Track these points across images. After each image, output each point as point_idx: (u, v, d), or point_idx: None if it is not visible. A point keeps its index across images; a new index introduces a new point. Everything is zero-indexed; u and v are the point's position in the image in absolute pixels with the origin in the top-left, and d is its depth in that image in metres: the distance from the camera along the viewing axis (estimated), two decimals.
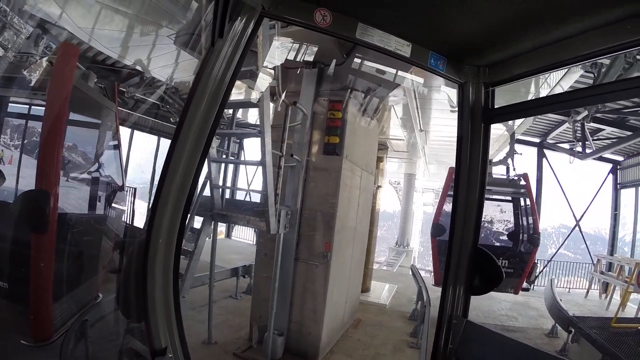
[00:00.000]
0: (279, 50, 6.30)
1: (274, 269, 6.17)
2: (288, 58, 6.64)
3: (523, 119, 10.95)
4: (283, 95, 6.02)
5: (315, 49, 6.62)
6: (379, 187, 11.33)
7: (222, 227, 18.53)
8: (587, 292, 15.60)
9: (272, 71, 5.75)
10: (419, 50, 2.79)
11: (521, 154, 10.90)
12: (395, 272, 18.54)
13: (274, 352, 6.32)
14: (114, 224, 7.35)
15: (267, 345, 6.21)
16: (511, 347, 2.85)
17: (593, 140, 14.96)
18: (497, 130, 11.27)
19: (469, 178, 3.06)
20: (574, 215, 18.12)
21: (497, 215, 11.01)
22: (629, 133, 14.21)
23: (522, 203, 10.47)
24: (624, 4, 2.24)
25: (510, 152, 10.78)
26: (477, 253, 3.04)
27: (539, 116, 15.07)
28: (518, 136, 14.08)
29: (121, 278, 3.61)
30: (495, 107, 3.07)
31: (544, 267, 17.40)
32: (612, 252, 18.17)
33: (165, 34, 6.86)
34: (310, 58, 6.74)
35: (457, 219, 3.08)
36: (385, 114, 9.32)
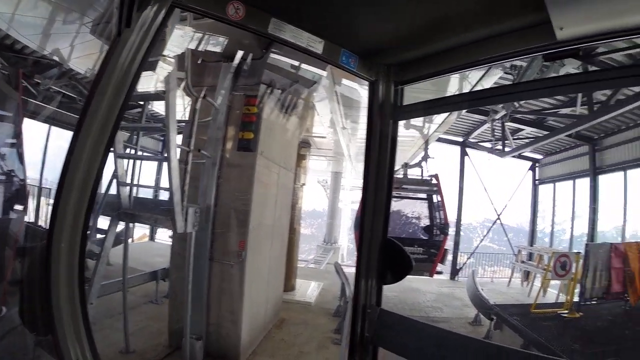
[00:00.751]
0: (187, 40, 6.07)
1: (186, 270, 5.91)
2: (206, 50, 6.51)
3: (444, 120, 11.31)
4: (182, 86, 5.80)
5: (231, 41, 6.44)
6: (302, 185, 11.27)
7: (146, 229, 17.86)
8: (510, 280, 16.28)
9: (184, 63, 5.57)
10: (331, 48, 2.80)
11: (434, 157, 12.41)
12: (323, 269, 18.61)
13: (193, 358, 6.08)
14: (14, 228, 6.79)
15: (185, 351, 5.96)
16: (424, 330, 2.95)
17: (514, 139, 15.70)
18: (413, 133, 11.98)
19: (378, 173, 3.10)
20: (495, 209, 19.13)
21: (418, 210, 12.22)
22: (547, 132, 15.01)
23: (435, 199, 11.58)
24: (529, 13, 2.39)
25: (425, 156, 12.32)
26: (387, 244, 3.10)
27: (462, 116, 15.74)
28: (440, 135, 14.78)
29: (23, 288, 3.60)
30: (404, 104, 3.13)
31: (467, 259, 18.34)
32: (532, 242, 19.13)
33: (84, 23, 6.61)
34: (225, 51, 6.56)
35: (366, 213, 3.12)
36: (308, 111, 9.21)
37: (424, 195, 11.85)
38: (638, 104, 10.56)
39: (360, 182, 10.66)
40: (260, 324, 7.43)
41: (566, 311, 8.90)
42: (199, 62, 6.50)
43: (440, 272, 11.24)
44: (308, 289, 11.45)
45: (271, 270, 7.84)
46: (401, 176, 12.11)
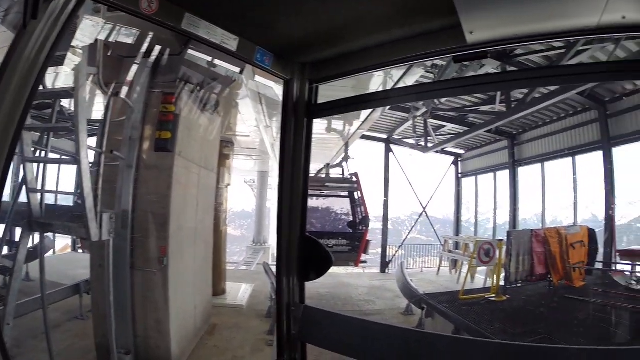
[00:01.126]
0: (99, 32, 5.69)
1: (106, 281, 5.51)
2: (120, 42, 6.08)
3: (367, 117, 11.46)
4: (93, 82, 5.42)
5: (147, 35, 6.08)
6: (227, 185, 11.01)
7: (68, 239, 16.82)
8: (438, 269, 16.88)
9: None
10: (245, 45, 2.79)
11: (354, 158, 13.41)
12: (254, 270, 18.26)
13: None
14: None
15: None
16: (348, 323, 3.05)
17: (436, 135, 16.27)
18: (334, 136, 12.52)
19: (293, 171, 3.14)
20: (420, 203, 19.72)
21: (341, 207, 12.51)
22: (467, 129, 15.70)
23: (356, 196, 12.01)
24: (442, 17, 2.52)
25: (345, 156, 13.33)
26: (306, 241, 3.15)
27: (385, 113, 16.00)
28: (364, 132, 14.84)
29: None
30: (318, 102, 3.21)
31: (396, 251, 18.79)
32: (457, 232, 19.84)
33: None
34: (141, 45, 6.15)
35: (283, 211, 3.14)
36: (229, 110, 8.94)
37: (345, 193, 12.28)
38: (551, 102, 11.36)
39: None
40: (190, 332, 7.12)
41: (493, 295, 9.22)
42: (113, 56, 6.08)
43: (364, 262, 11.91)
44: (239, 292, 11.13)
45: (197, 275, 7.53)
46: (324, 176, 13.29)
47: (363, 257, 11.61)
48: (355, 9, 2.62)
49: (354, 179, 12.17)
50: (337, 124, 11.68)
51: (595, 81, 9.58)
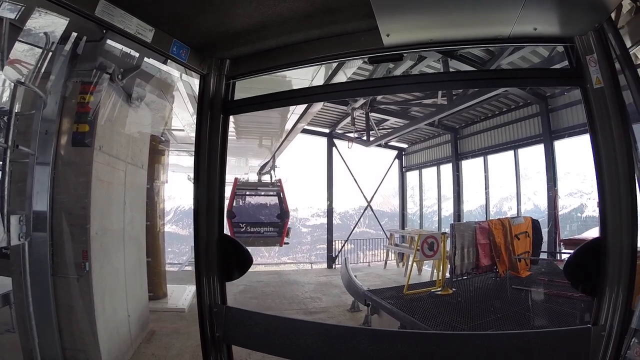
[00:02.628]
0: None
1: (24, 290, 4.99)
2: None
3: (305, 111, 11.25)
4: None
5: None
6: (164, 183, 10.51)
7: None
8: (385, 263, 17.07)
9: None
10: (162, 37, 2.76)
11: (279, 167, 17.49)
12: None
13: None
14: None
15: None
16: (271, 322, 3.12)
17: (379, 129, 16.34)
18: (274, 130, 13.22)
19: (209, 168, 3.14)
20: (364, 197, 19.86)
21: (271, 203, 15.47)
22: (408, 122, 15.80)
23: (280, 195, 15.24)
24: (360, 19, 2.68)
25: (272, 165, 17.19)
26: (224, 241, 3.16)
27: (327, 107, 16.48)
28: (305, 127, 15.26)
29: None
30: (234, 99, 3.25)
31: (342, 246, 19.02)
32: (403, 226, 20.01)
33: None
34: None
35: (200, 211, 3.13)
36: (162, 103, 8.40)
37: (274, 193, 15.46)
38: (490, 95, 12.27)
39: (230, 177, 13.79)
40: (124, 341, 6.60)
41: (439, 289, 9.08)
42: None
43: (287, 243, 15.09)
44: (182, 295, 10.54)
45: (130, 280, 6.98)
46: (257, 180, 17.42)
47: (286, 240, 14.91)
48: (275, 7, 2.66)
49: (278, 183, 15.64)
50: (273, 119, 11.75)
51: (516, 86, 10.41)
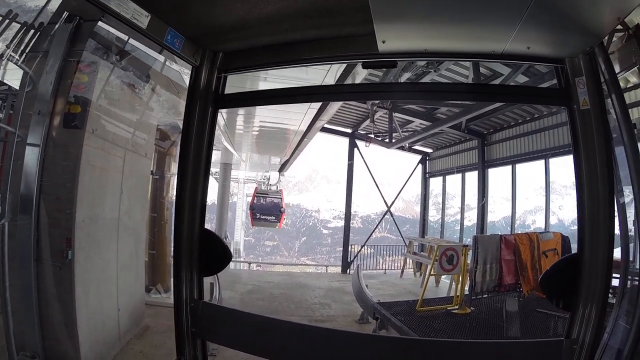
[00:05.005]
0: None
1: (1, 274, 4.65)
2: None
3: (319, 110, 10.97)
4: None
5: None
6: (173, 175, 10.24)
7: None
8: (402, 271, 16.26)
9: None
10: (157, 24, 2.71)
11: (281, 181, 27.45)
12: None
13: None
14: None
15: None
16: (246, 320, 3.18)
17: (402, 131, 15.81)
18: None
19: (195, 161, 3.13)
20: (384, 201, 19.73)
21: (276, 203, 23.81)
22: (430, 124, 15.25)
23: (281, 198, 23.87)
24: (357, 23, 2.74)
25: (278, 179, 27.04)
26: (205, 235, 3.16)
27: (351, 106, 16.13)
28: (326, 125, 15.80)
29: None
30: (225, 93, 3.26)
31: (359, 251, 18.77)
32: (423, 234, 19.42)
33: None
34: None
35: (180, 205, 3.12)
36: (171, 90, 8.06)
37: (278, 197, 23.95)
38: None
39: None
40: (111, 336, 6.26)
41: (456, 307, 8.56)
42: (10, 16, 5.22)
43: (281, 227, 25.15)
44: None
45: (122, 273, 6.62)
46: (266, 189, 26.05)
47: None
48: (274, 4, 2.68)
49: (280, 191, 24.91)
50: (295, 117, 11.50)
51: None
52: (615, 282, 2.91)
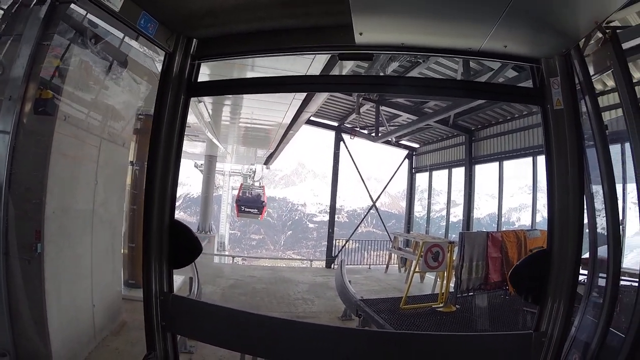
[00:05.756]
0: None
1: None
2: None
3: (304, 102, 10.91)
4: None
5: None
6: None
7: None
8: (387, 267, 16.11)
9: None
10: (130, 7, 2.60)
11: (263, 178, 30.68)
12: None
13: None
14: None
15: None
16: (216, 313, 3.16)
17: (390, 125, 15.70)
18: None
19: (165, 151, 3.03)
20: (370, 196, 19.67)
21: (260, 195, 27.25)
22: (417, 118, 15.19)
23: (262, 193, 27.21)
24: (335, 14, 2.68)
25: (260, 178, 29.67)
26: (175, 227, 3.08)
27: (338, 99, 15.95)
28: (314, 118, 16.25)
29: None
30: (198, 81, 3.18)
31: (343, 246, 18.42)
32: (408, 229, 19.34)
33: None
34: None
35: (150, 195, 3.02)
36: (153, 78, 7.79)
37: (260, 191, 27.27)
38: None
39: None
40: (85, 333, 6.01)
41: (441, 305, 8.44)
42: None
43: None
44: None
45: (97, 267, 6.35)
46: (251, 184, 28.65)
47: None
48: None
49: (262, 187, 28.07)
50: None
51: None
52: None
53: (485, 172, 16.29)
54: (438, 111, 13.51)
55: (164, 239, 3.02)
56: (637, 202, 3.03)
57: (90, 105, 5.90)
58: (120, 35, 5.74)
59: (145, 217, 3.02)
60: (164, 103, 3.01)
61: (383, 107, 15.08)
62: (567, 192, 2.75)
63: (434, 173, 19.40)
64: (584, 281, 3.27)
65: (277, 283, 12.65)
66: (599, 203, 3.03)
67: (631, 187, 2.97)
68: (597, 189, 3.02)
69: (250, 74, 7.88)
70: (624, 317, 3.03)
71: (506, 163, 14.96)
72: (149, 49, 6.21)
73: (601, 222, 3.08)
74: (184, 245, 3.13)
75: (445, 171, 18.27)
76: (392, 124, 16.60)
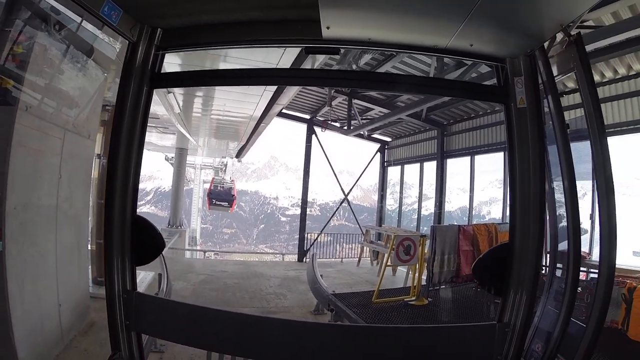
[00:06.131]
0: None
1: None
2: None
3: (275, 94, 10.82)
4: None
5: None
6: None
7: None
8: (359, 260, 16.15)
9: None
10: None
11: (233, 173, 38.32)
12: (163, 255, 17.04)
13: None
14: None
15: None
16: (182, 310, 3.07)
17: (362, 118, 15.69)
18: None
19: (127, 143, 2.95)
20: (341, 189, 19.53)
21: (232, 189, 29.17)
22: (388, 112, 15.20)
23: (233, 187, 29.19)
24: (303, 7, 2.68)
25: (227, 170, 32.02)
26: (137, 222, 3.00)
27: (310, 92, 15.84)
28: (286, 111, 16.20)
29: None
30: (162, 72, 3.10)
31: (314, 240, 18.31)
32: (380, 222, 19.38)
33: None
34: None
35: (111, 189, 2.95)
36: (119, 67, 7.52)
37: (230, 185, 28.83)
38: None
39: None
40: (52, 335, 5.77)
41: (413, 298, 8.40)
42: None
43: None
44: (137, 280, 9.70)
45: (62, 265, 6.09)
46: (221, 177, 30.09)
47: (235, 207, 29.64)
48: None
49: (232, 181, 29.77)
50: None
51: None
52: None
53: (457, 166, 16.48)
54: (410, 105, 13.52)
55: (126, 235, 2.94)
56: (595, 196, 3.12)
57: (53, 95, 5.64)
58: (86, 23, 5.51)
59: (106, 213, 2.93)
60: (127, 94, 2.93)
61: (355, 100, 15.07)
62: (528, 187, 2.85)
63: (406, 167, 19.43)
64: (546, 273, 3.49)
65: (248, 278, 12.50)
66: (560, 198, 3.13)
67: (590, 183, 3.18)
68: (558, 185, 3.12)
69: (223, 65, 7.72)
70: (584, 307, 3.21)
71: (477, 157, 15.06)
72: (114, 38, 6.00)
73: (561, 216, 3.18)
74: (147, 242, 3.05)
75: (417, 165, 18.32)
76: (364, 117, 16.58)
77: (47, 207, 5.70)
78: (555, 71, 2.96)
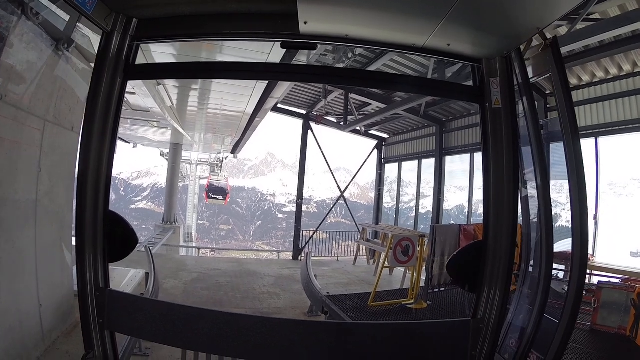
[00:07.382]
0: None
1: None
2: None
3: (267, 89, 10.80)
4: None
5: None
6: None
7: None
8: (355, 258, 15.84)
9: None
10: None
11: (226, 173, 37.52)
12: (155, 252, 16.68)
13: None
14: None
15: None
16: (157, 308, 3.04)
17: (359, 114, 15.48)
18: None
19: (100, 136, 2.89)
20: (338, 186, 19.30)
21: (226, 186, 32.74)
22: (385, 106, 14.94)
23: (226, 183, 33.65)
24: (273, 2, 2.82)
25: (223, 167, 34.28)
26: (110, 218, 2.95)
27: (306, 88, 15.57)
28: (281, 106, 16.05)
29: None
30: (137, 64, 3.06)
31: (310, 238, 18.07)
32: (377, 220, 19.18)
33: None
34: None
35: (83, 183, 2.87)
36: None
37: (225, 182, 33.17)
38: None
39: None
40: (32, 336, 5.50)
41: (412, 301, 8.02)
42: None
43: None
44: (124, 280, 9.36)
45: (43, 263, 5.82)
46: (218, 176, 33.59)
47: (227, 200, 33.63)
48: None
49: (226, 178, 34.45)
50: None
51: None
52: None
53: (455, 164, 16.26)
54: (407, 100, 13.37)
55: (98, 231, 2.87)
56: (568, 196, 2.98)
57: (32, 84, 5.35)
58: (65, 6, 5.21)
59: (78, 208, 2.87)
60: (100, 85, 2.86)
61: (352, 95, 14.84)
62: (502, 186, 2.93)
63: (404, 164, 19.25)
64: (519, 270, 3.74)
65: (242, 276, 12.25)
66: (533, 197, 3.28)
67: (563, 182, 3.15)
68: (532, 184, 3.26)
69: (219, 57, 7.68)
70: (557, 304, 3.23)
71: (477, 155, 14.76)
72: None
73: (534, 214, 3.39)
74: (120, 238, 2.98)
75: (415, 162, 18.13)
76: (361, 112, 16.35)
77: (25, 202, 5.43)
78: (530, 73, 3.08)
